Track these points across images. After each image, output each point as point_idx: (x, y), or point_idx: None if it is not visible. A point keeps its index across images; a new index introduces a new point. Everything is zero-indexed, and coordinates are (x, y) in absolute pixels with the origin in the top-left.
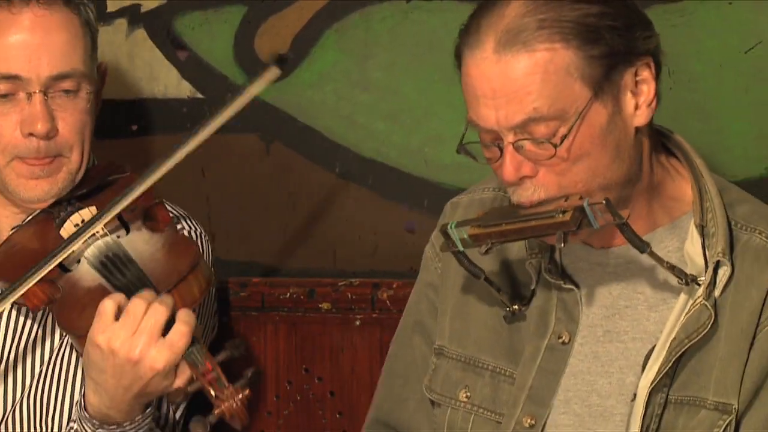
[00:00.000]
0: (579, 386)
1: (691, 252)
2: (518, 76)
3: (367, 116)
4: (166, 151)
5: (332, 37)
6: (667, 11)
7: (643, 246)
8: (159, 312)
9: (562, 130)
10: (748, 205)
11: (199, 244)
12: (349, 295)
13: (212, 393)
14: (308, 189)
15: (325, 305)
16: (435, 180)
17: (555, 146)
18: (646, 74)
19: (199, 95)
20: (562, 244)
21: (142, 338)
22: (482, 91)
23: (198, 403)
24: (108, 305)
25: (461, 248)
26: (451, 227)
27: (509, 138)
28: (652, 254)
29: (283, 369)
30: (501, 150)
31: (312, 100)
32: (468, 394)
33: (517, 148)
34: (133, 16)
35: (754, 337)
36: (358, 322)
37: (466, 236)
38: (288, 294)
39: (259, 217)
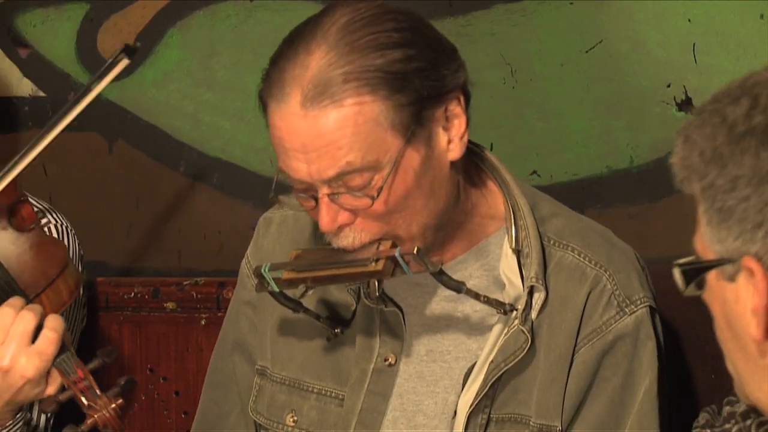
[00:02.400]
0: (406, 406)
1: (508, 272)
2: (327, 131)
3: (212, 115)
4: (7, 150)
5: (176, 35)
6: (508, 11)
7: (459, 287)
8: (27, 319)
9: (377, 180)
10: (559, 219)
11: (66, 240)
12: (195, 295)
13: (84, 402)
14: (153, 188)
15: (170, 305)
16: (281, 179)
17: (372, 198)
18: (456, 109)
19: (41, 93)
20: (378, 293)
21: (11, 347)
22: (291, 145)
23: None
24: None
25: (276, 289)
26: (264, 270)
27: (324, 190)
28: (469, 292)
29: (128, 369)
30: (316, 200)
31: (156, 98)
32: (295, 418)
33: (333, 199)
34: None
35: (572, 358)
36: (203, 322)
37: (280, 277)
38: (132, 294)
39: (102, 216)
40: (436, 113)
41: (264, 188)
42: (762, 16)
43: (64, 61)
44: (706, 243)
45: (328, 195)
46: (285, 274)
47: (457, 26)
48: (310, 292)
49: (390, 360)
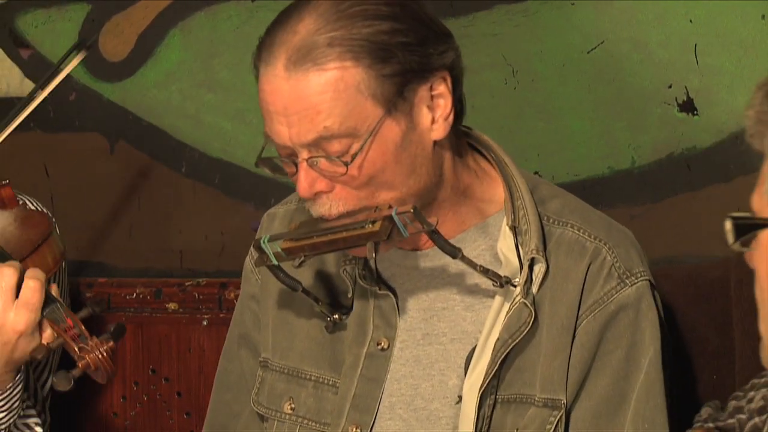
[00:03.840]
0: (403, 391)
1: (505, 250)
2: (309, 95)
3: (214, 115)
4: (9, 150)
5: (177, 36)
6: (510, 11)
7: (454, 252)
8: (7, 275)
9: (355, 148)
10: (558, 200)
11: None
12: (196, 295)
13: (75, 348)
14: (154, 189)
15: (172, 305)
16: (282, 179)
17: (346, 164)
18: (441, 89)
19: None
20: (374, 255)
21: None
22: (274, 108)
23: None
24: None
25: (275, 262)
26: (264, 242)
27: (303, 155)
28: (464, 259)
29: (130, 370)
30: (296, 165)
31: (157, 99)
32: (293, 405)
33: (311, 165)
34: None
35: (575, 331)
36: (205, 322)
37: (279, 250)
38: (134, 294)
39: (104, 216)
40: (419, 90)
41: (266, 189)
42: (763, 17)
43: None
44: (765, 201)
45: (307, 160)
46: (283, 244)
47: (458, 27)
48: (309, 260)
49: (383, 344)
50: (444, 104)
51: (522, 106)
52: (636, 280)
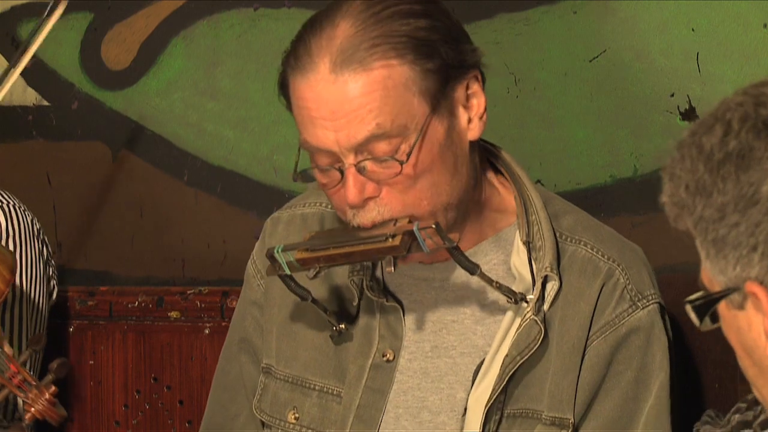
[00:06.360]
0: (409, 402)
1: (519, 266)
2: (357, 95)
3: (216, 124)
4: (11, 159)
5: (180, 44)
6: (512, 20)
7: (473, 268)
8: None
9: (405, 147)
10: (571, 216)
11: (15, 217)
12: (199, 304)
13: (22, 396)
14: (156, 197)
15: (174, 314)
16: (284, 187)
17: (401, 163)
18: (475, 87)
19: (45, 102)
20: (392, 269)
21: None
22: (319, 114)
23: None
24: None
25: (288, 272)
26: (277, 251)
27: (350, 159)
28: (482, 275)
29: (132, 378)
30: (342, 173)
31: (159, 107)
32: (296, 414)
33: (360, 170)
34: None
35: (584, 351)
36: (207, 331)
37: (293, 260)
38: (136, 303)
39: (106, 225)
40: (458, 88)
41: (267, 197)
42: (765, 25)
43: (68, 70)
44: (710, 276)
45: (355, 165)
46: (298, 254)
47: None
48: (323, 273)
49: (388, 356)
50: (478, 103)
51: (524, 115)
52: (648, 303)
